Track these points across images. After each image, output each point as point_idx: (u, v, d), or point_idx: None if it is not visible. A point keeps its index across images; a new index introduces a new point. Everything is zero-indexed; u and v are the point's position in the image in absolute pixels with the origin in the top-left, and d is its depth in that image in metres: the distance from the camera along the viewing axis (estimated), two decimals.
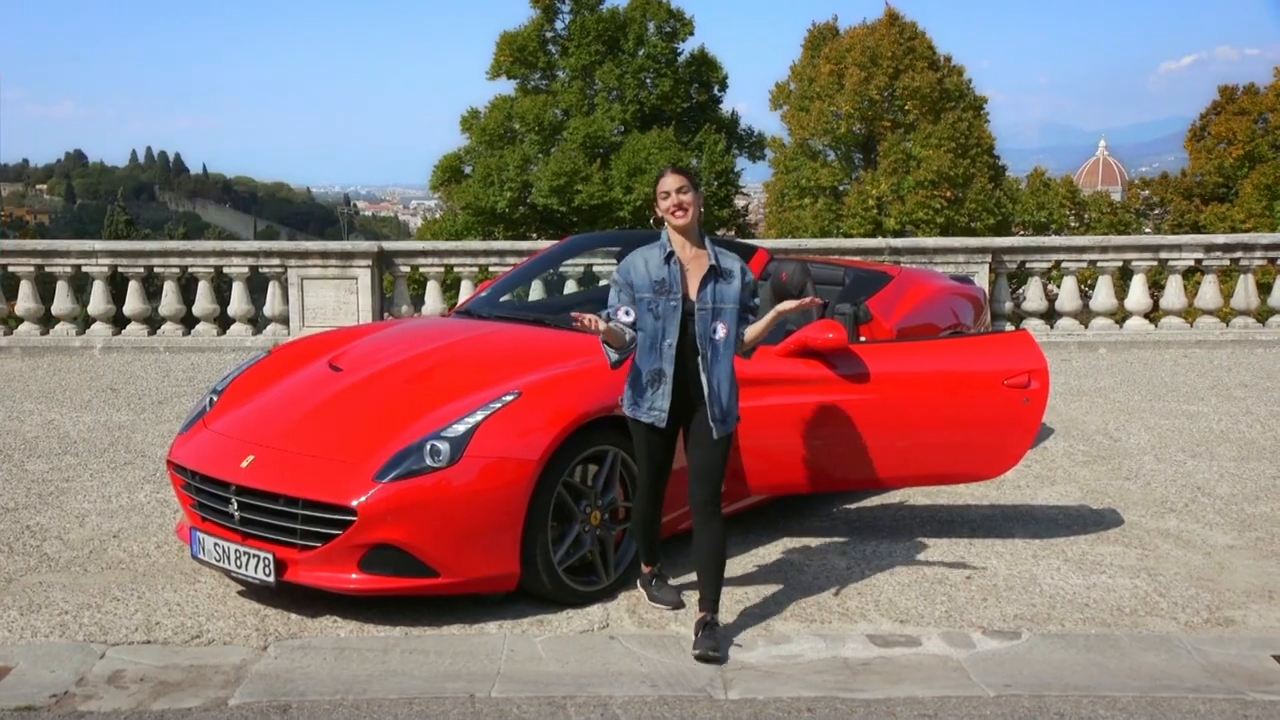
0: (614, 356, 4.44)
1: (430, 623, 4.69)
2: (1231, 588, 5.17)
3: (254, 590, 4.98)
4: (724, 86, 37.57)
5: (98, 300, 12.31)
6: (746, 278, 4.50)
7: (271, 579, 4.67)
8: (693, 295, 4.40)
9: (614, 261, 8.16)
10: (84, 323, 12.53)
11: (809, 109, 36.70)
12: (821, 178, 36.24)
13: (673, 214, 4.45)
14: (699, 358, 4.38)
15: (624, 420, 4.99)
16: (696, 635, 4.44)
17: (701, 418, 4.42)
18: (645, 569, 4.94)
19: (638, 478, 4.66)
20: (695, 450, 4.48)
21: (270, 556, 4.66)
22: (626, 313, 4.40)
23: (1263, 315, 12.82)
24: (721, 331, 4.38)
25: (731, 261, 4.50)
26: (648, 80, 35.73)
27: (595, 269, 11.19)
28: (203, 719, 3.86)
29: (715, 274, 4.43)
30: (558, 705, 3.97)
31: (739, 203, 40.15)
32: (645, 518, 4.74)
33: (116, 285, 12.56)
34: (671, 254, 4.44)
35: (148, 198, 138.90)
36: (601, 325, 4.29)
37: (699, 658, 4.35)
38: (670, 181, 4.50)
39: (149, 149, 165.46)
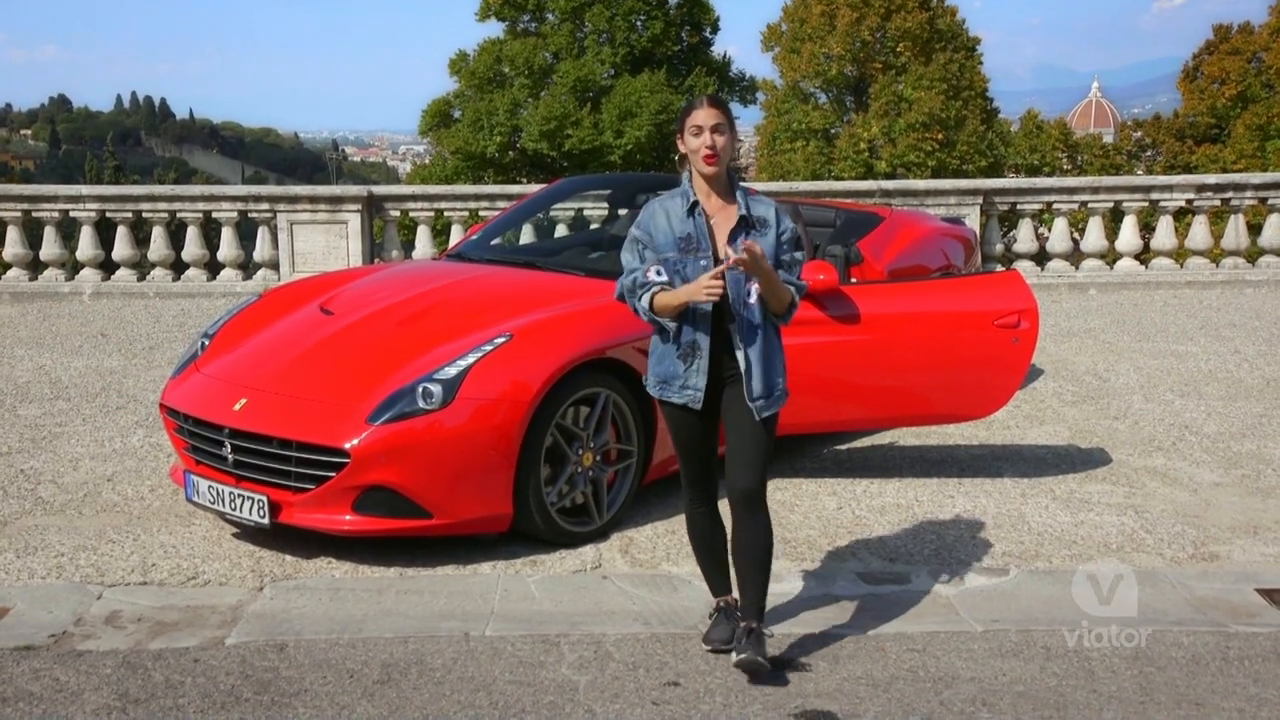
0: (672, 325, 3.74)
1: (424, 563, 4.74)
2: (1217, 524, 5.24)
3: (249, 532, 5.02)
4: (715, 29, 37.19)
5: (86, 246, 12.23)
6: (783, 226, 3.78)
7: (266, 521, 4.70)
8: (722, 248, 3.72)
9: (604, 205, 8.13)
10: (72, 268, 12.47)
11: (800, 51, 36.37)
12: (813, 121, 36.00)
13: (704, 159, 3.71)
14: (732, 325, 3.73)
15: (615, 362, 5.01)
16: (739, 641, 3.78)
17: (739, 396, 3.76)
18: (719, 600, 4.02)
19: (681, 477, 3.98)
20: (734, 434, 3.81)
21: (264, 499, 4.69)
22: (658, 273, 3.71)
23: (1253, 256, 12.83)
24: (755, 293, 3.70)
25: (765, 208, 3.78)
26: (638, 23, 35.31)
27: (586, 213, 11.15)
28: (201, 658, 3.90)
29: (746, 225, 3.74)
30: (551, 643, 4.02)
31: None
32: (700, 531, 3.97)
33: (104, 231, 12.48)
34: (696, 204, 3.76)
35: (134, 143, 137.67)
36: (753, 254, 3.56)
37: (739, 664, 3.73)
38: (705, 115, 3.72)
39: (134, 94, 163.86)
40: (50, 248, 12.13)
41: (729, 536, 3.91)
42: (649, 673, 3.79)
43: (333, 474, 4.60)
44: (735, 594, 3.92)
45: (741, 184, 3.83)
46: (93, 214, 12.17)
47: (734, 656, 3.76)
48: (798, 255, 3.82)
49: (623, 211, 7.24)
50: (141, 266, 12.42)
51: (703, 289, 3.58)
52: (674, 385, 3.80)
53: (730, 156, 3.77)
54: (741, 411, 3.77)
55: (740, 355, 3.74)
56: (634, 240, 3.80)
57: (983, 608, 4.35)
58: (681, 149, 3.82)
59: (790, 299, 3.75)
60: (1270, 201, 12.52)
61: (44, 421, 6.95)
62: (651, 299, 3.69)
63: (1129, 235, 12.52)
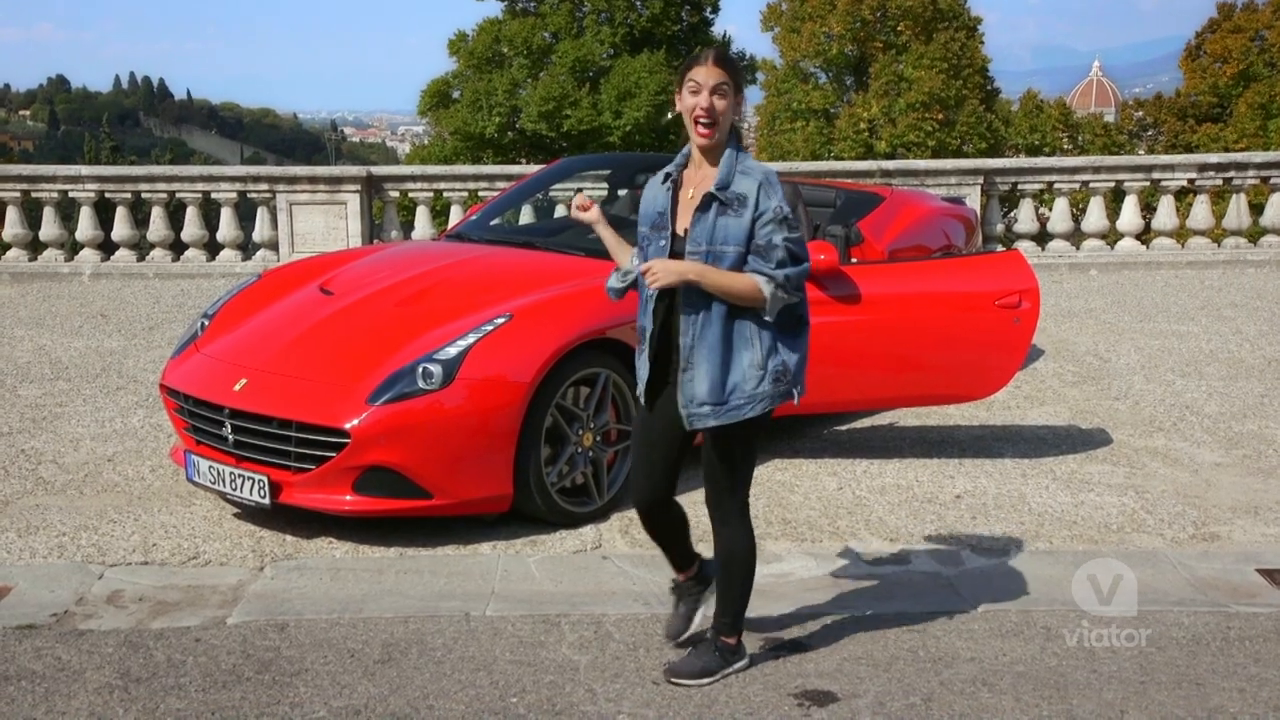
0: (615, 284, 3.58)
1: (425, 543, 4.74)
2: (1218, 504, 5.24)
3: (249, 512, 5.02)
4: (715, 8, 37.00)
5: (85, 226, 12.20)
6: (762, 208, 3.26)
7: (267, 501, 4.70)
8: (682, 227, 3.34)
9: (604, 186, 8.10)
10: (72, 249, 12.45)
11: (800, 30, 36.22)
12: (813, 100, 35.90)
13: (697, 126, 3.28)
14: (684, 312, 3.33)
15: (615, 342, 5.00)
16: (689, 641, 3.71)
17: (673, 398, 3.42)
18: (676, 575, 3.84)
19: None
20: (661, 439, 3.52)
21: (265, 479, 4.68)
22: (637, 254, 3.54)
23: (1254, 235, 12.80)
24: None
25: (749, 184, 3.28)
26: (637, 2, 35.14)
27: (586, 193, 11.12)
28: (202, 637, 3.91)
29: (712, 201, 3.28)
30: (552, 623, 4.02)
31: None
32: (643, 511, 3.67)
33: (104, 211, 12.45)
34: (668, 175, 3.42)
35: (132, 124, 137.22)
36: (593, 213, 3.49)
37: (665, 671, 3.60)
38: (707, 73, 3.26)
39: (132, 74, 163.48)
40: (49, 228, 12.11)
41: (681, 518, 3.72)
42: (649, 653, 3.79)
43: (333, 454, 4.60)
44: (687, 573, 3.78)
45: (742, 151, 3.37)
46: (92, 194, 12.14)
47: (662, 664, 3.64)
48: (777, 240, 3.25)
49: (622, 192, 7.22)
50: (141, 247, 12.40)
51: (583, 206, 3.57)
52: (638, 370, 3.54)
53: (730, 126, 3.32)
54: (673, 416, 3.40)
55: (681, 351, 3.34)
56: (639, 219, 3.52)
57: (983, 588, 4.35)
58: (677, 107, 3.37)
59: (757, 292, 3.25)
60: (1272, 181, 12.48)
61: (44, 402, 6.94)
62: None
63: (1130, 215, 12.49)
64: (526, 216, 10.13)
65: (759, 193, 3.26)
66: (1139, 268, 12.01)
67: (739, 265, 3.26)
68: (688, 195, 3.35)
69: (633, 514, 4.99)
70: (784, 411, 5.75)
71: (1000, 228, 12.48)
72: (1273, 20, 36.55)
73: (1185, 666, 3.73)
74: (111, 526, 4.91)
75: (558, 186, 10.57)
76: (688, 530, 3.76)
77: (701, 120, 3.27)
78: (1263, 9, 37.51)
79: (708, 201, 3.28)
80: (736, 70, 3.29)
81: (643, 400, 3.52)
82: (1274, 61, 36.07)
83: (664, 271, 3.25)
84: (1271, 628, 4.01)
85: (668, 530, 3.71)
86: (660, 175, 3.45)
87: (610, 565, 4.56)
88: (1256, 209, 12.86)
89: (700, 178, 3.34)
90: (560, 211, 11.06)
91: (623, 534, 4.87)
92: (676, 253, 3.32)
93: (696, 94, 3.26)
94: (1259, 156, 12.97)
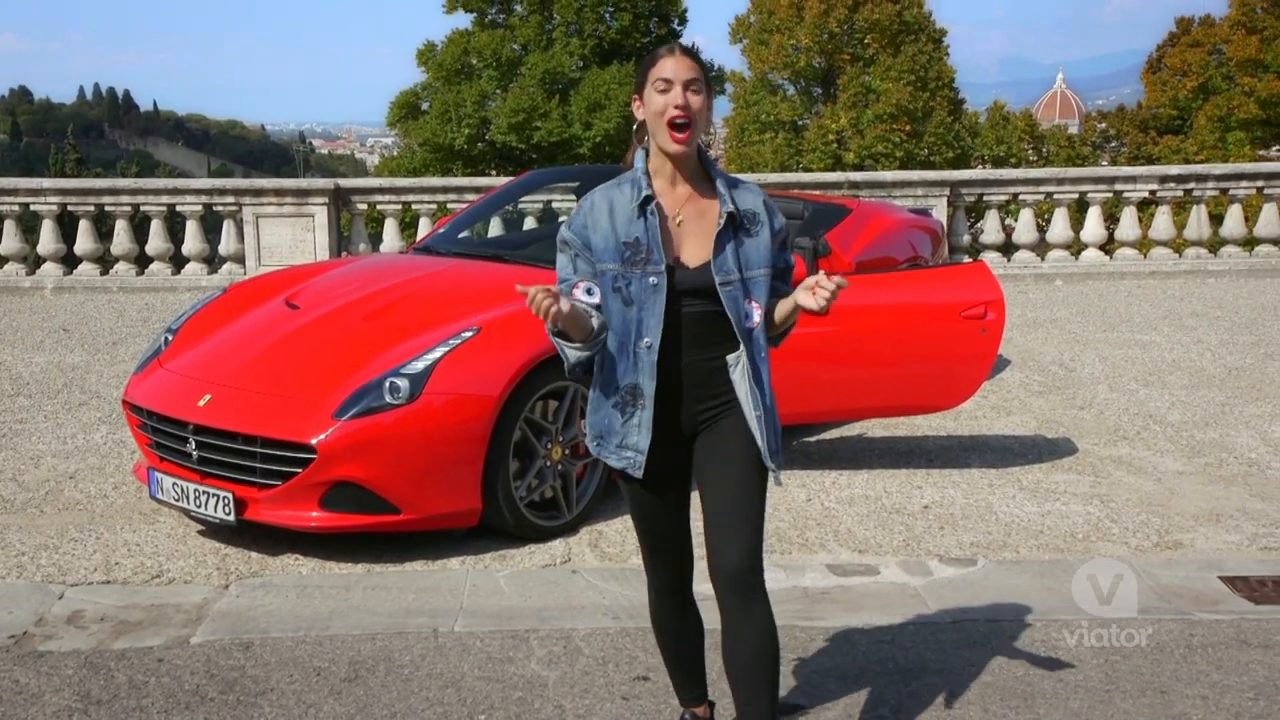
0: (573, 355, 2.80)
1: (392, 559, 4.71)
2: (1181, 512, 5.29)
3: (214, 529, 4.97)
4: (683, 20, 37.11)
5: (47, 240, 12.06)
6: (778, 222, 2.88)
7: (232, 518, 4.65)
8: (696, 258, 2.79)
9: (573, 198, 8.07)
10: (34, 263, 12.31)
11: (768, 42, 36.39)
12: (781, 112, 36.04)
13: (671, 127, 2.75)
14: (730, 355, 2.82)
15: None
16: None
17: (720, 447, 2.87)
18: (691, 710, 3.21)
19: (643, 563, 3.11)
20: (716, 498, 2.87)
21: (230, 495, 4.64)
22: (589, 290, 2.82)
23: (1214, 246, 12.97)
24: (758, 315, 2.82)
25: (754, 198, 2.86)
26: (606, 14, 35.20)
27: (554, 205, 11.11)
28: (165, 657, 3.86)
29: (735, 225, 2.81)
30: (520, 638, 4.00)
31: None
32: (665, 625, 3.11)
33: (66, 225, 12.32)
34: (649, 199, 2.79)
35: (97, 135, 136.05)
36: (555, 306, 2.62)
37: None
38: (675, 66, 2.75)
39: (96, 85, 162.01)
40: (10, 242, 11.97)
41: (700, 626, 3.14)
42: (619, 667, 3.78)
43: (299, 470, 4.56)
44: (707, 707, 3.21)
45: (717, 166, 2.92)
46: (54, 207, 12.01)
47: None
48: (789, 259, 2.94)
49: None
50: (104, 261, 12.29)
51: (541, 302, 2.60)
52: (609, 443, 2.87)
53: (705, 130, 2.86)
54: (727, 468, 2.85)
55: (745, 393, 2.82)
56: (564, 244, 2.87)
57: (951, 599, 4.37)
58: (639, 115, 2.84)
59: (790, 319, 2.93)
60: (1231, 192, 12.66)
61: (4, 418, 6.85)
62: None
63: (1094, 226, 12.63)
64: (495, 229, 10.12)
65: (766, 207, 2.88)
66: (1103, 278, 12.13)
67: (767, 290, 2.84)
68: (675, 220, 2.81)
69: (602, 527, 5.00)
70: None
71: (966, 239, 12.58)
72: (1230, 35, 37.06)
73: (1150, 674, 3.76)
74: (72, 545, 4.85)
75: (526, 199, 10.58)
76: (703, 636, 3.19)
77: (677, 121, 2.74)
78: (1220, 23, 38.05)
79: (730, 225, 2.80)
80: (704, 66, 2.82)
81: (639, 475, 2.85)
82: (1232, 75, 36.57)
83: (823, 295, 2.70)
84: (1234, 635, 4.05)
85: (693, 627, 3.13)
86: (628, 195, 2.81)
87: (579, 579, 4.55)
88: (1216, 220, 13.03)
89: (683, 196, 2.83)
90: (529, 223, 11.06)
91: (592, 548, 4.86)
92: (675, 289, 2.76)
93: (666, 92, 2.74)
94: (1218, 168, 13.16)
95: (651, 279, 2.76)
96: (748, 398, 2.82)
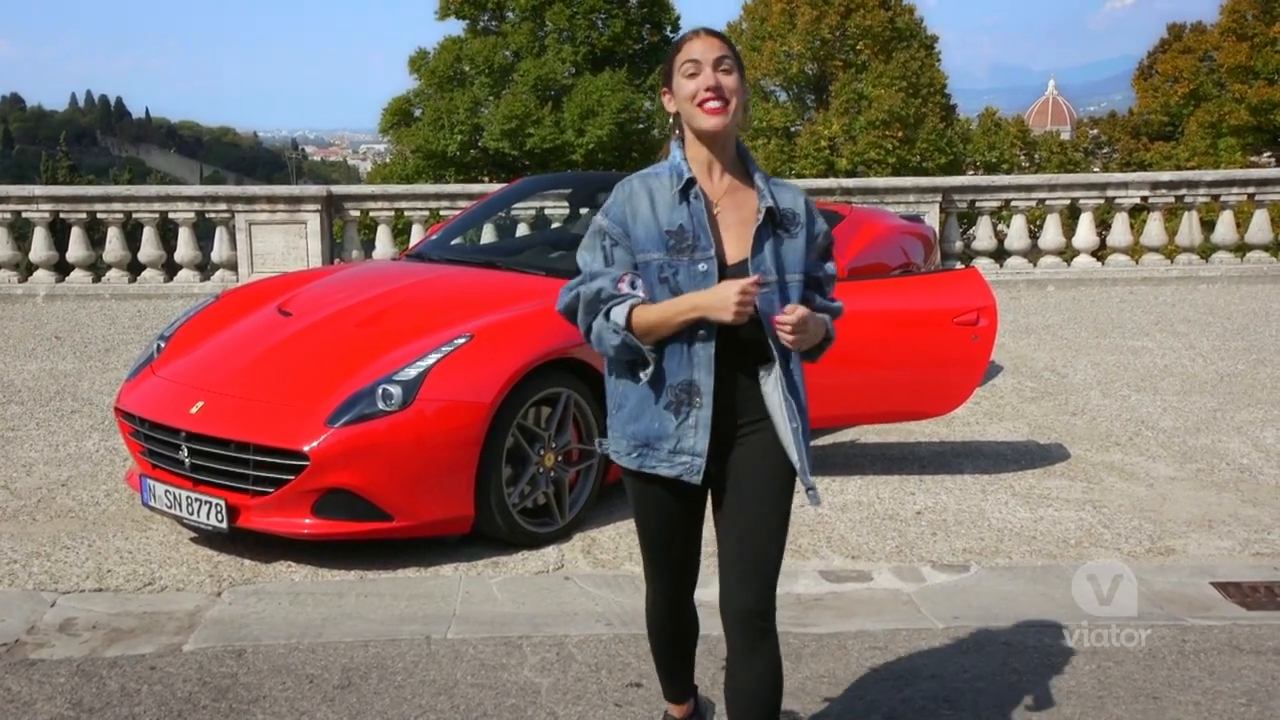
0: (650, 358, 2.63)
1: (385, 566, 4.70)
2: (1173, 518, 5.30)
3: (206, 537, 4.96)
4: (676, 27, 37.16)
5: (39, 247, 12.05)
6: (817, 227, 2.72)
7: (224, 525, 4.64)
8: (734, 254, 2.63)
9: (565, 205, 8.07)
10: (26, 270, 12.28)
11: (761, 49, 36.50)
12: (773, 118, 36.12)
13: (703, 107, 2.59)
14: (762, 365, 2.65)
15: (577, 362, 4.98)
16: None
17: (760, 478, 2.68)
18: (671, 708, 3.14)
19: (644, 571, 2.93)
20: (736, 531, 2.70)
21: (222, 503, 4.63)
22: (633, 284, 2.64)
23: (1206, 252, 13.02)
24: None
25: (793, 197, 2.70)
26: (599, 21, 35.26)
27: (547, 212, 11.12)
28: (157, 665, 3.85)
29: (774, 221, 2.65)
30: (514, 645, 4.00)
31: None
32: (662, 629, 2.98)
33: (58, 232, 12.31)
34: (692, 182, 2.64)
35: (89, 142, 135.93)
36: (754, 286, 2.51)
37: None
38: (704, 46, 2.61)
39: (89, 92, 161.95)
40: (2, 249, 11.95)
41: (695, 628, 3.04)
42: (612, 674, 3.78)
43: (292, 477, 4.56)
44: (686, 706, 3.12)
45: (755, 162, 2.76)
46: (46, 215, 12.00)
47: None
48: (831, 270, 2.78)
49: (584, 210, 7.22)
50: (97, 268, 12.27)
51: (731, 300, 2.48)
52: (660, 450, 2.65)
53: (744, 109, 2.66)
54: (754, 496, 2.67)
55: (778, 404, 2.64)
56: (600, 233, 2.68)
57: (944, 605, 4.38)
58: (670, 108, 2.70)
59: (826, 334, 2.74)
60: (1223, 198, 12.71)
61: None
62: (629, 314, 2.59)
63: (1086, 232, 12.67)
64: (488, 236, 10.11)
65: (807, 208, 2.70)
66: (1095, 284, 12.16)
67: (799, 297, 2.67)
68: (714, 209, 2.64)
69: (595, 534, 5.00)
70: None
71: (959, 245, 12.61)
72: (1221, 42, 37.25)
73: (1142, 680, 3.77)
74: (65, 553, 4.83)
75: (519, 205, 10.56)
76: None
77: (713, 103, 2.58)
78: (1211, 30, 38.24)
79: (769, 219, 2.63)
80: (733, 45, 2.66)
81: (698, 480, 2.64)
82: (1223, 81, 36.76)
83: (804, 319, 2.57)
84: (1226, 641, 4.06)
85: (689, 633, 3.02)
86: (666, 183, 2.65)
87: (572, 586, 4.55)
88: (1208, 226, 13.08)
89: (725, 186, 2.66)
90: (522, 230, 11.05)
91: (585, 554, 4.86)
92: (725, 278, 2.59)
93: (696, 75, 2.59)
94: (1210, 175, 13.22)
95: (701, 265, 2.59)
96: (780, 409, 2.63)
